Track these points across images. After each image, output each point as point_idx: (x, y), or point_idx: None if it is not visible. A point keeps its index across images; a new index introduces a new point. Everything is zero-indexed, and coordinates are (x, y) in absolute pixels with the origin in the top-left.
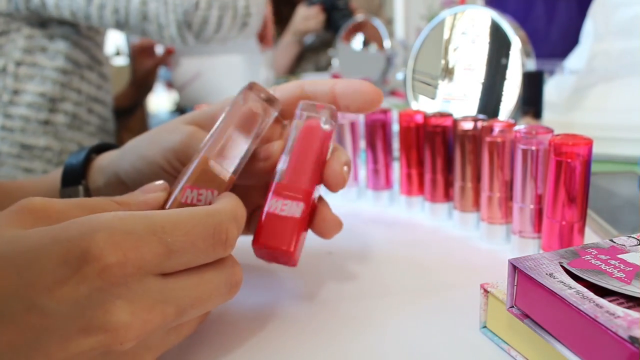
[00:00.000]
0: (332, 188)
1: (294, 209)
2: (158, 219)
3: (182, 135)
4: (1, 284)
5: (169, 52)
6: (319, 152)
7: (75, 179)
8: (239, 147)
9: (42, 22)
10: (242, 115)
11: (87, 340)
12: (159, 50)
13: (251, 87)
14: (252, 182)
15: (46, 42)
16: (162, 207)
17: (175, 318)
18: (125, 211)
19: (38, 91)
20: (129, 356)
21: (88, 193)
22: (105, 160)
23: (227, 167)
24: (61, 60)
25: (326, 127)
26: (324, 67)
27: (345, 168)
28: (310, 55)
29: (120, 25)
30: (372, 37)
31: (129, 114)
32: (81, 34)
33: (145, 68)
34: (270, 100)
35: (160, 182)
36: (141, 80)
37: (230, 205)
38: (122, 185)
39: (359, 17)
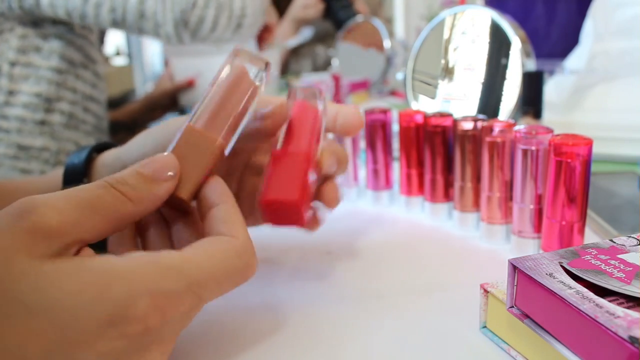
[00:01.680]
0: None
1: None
2: (194, 272)
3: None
4: (43, 340)
5: (190, 83)
6: (313, 126)
7: (77, 178)
8: (229, 114)
9: (35, 21)
10: (232, 81)
11: None
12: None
13: (237, 52)
14: (250, 144)
15: (40, 41)
16: None
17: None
18: (161, 263)
19: (33, 91)
20: None
21: None
22: (109, 157)
23: (216, 133)
24: (56, 59)
25: (319, 105)
26: (322, 66)
27: (338, 194)
28: (307, 51)
29: (116, 24)
30: (371, 42)
31: (126, 131)
32: (75, 33)
33: (163, 89)
34: (257, 61)
35: (166, 159)
36: (155, 100)
37: (247, 234)
38: None
39: (359, 17)
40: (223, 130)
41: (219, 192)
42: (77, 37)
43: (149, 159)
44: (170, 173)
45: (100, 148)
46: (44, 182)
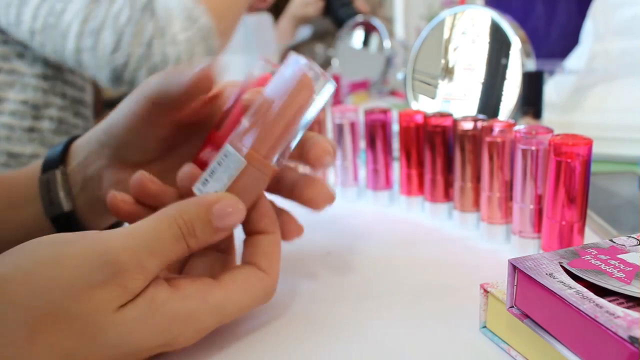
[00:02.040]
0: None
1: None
2: (229, 310)
3: (155, 83)
4: None
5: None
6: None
7: (54, 165)
8: (289, 136)
9: None
10: (299, 102)
11: None
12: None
13: (304, 67)
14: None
15: (22, 47)
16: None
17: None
18: (209, 302)
19: (19, 99)
20: None
21: (65, 176)
22: (84, 137)
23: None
24: (39, 66)
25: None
26: (322, 65)
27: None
28: (306, 50)
29: (62, 62)
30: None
31: None
32: None
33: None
34: (324, 76)
35: (239, 213)
36: None
37: (278, 271)
38: (103, 149)
39: (360, 17)
40: (279, 152)
41: (269, 220)
42: None
43: (225, 204)
44: (234, 223)
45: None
46: (22, 175)
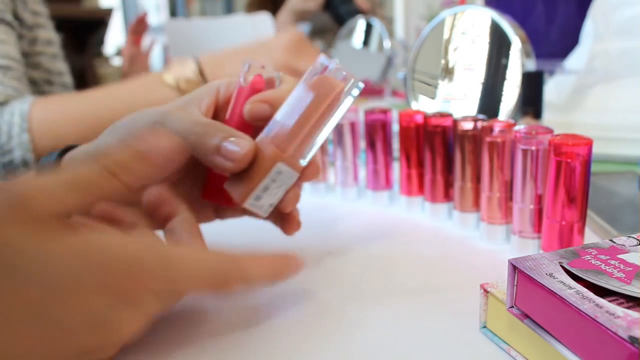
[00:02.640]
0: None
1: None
2: (171, 255)
3: (159, 110)
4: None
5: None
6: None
7: None
8: (316, 135)
9: None
10: (326, 102)
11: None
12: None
13: (326, 69)
14: None
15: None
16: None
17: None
18: (140, 245)
19: None
20: None
21: None
22: (79, 152)
23: (304, 157)
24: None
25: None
26: None
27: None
28: None
29: None
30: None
31: None
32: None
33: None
34: (349, 77)
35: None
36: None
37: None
38: None
39: (360, 17)
40: (293, 142)
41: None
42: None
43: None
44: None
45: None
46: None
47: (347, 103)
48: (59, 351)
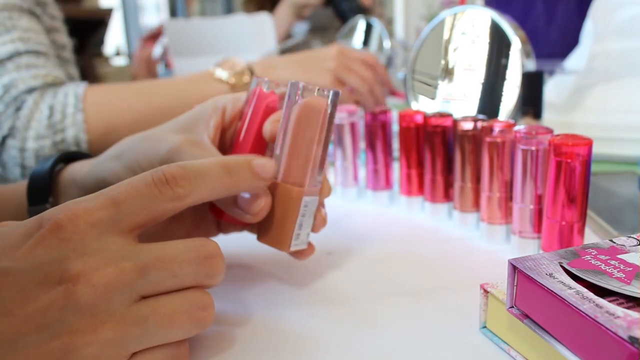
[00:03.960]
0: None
1: None
2: (114, 192)
3: (169, 145)
4: None
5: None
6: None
7: (42, 195)
8: (310, 155)
9: None
10: (306, 121)
11: (46, 293)
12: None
13: (299, 88)
14: None
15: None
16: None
17: (136, 276)
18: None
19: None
20: (88, 315)
21: None
22: (79, 172)
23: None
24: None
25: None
26: None
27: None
28: (303, 48)
29: None
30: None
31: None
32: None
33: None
34: (323, 92)
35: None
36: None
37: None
38: None
39: (362, 14)
40: (307, 173)
41: None
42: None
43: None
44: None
45: (67, 158)
46: (12, 194)
47: (333, 114)
48: None
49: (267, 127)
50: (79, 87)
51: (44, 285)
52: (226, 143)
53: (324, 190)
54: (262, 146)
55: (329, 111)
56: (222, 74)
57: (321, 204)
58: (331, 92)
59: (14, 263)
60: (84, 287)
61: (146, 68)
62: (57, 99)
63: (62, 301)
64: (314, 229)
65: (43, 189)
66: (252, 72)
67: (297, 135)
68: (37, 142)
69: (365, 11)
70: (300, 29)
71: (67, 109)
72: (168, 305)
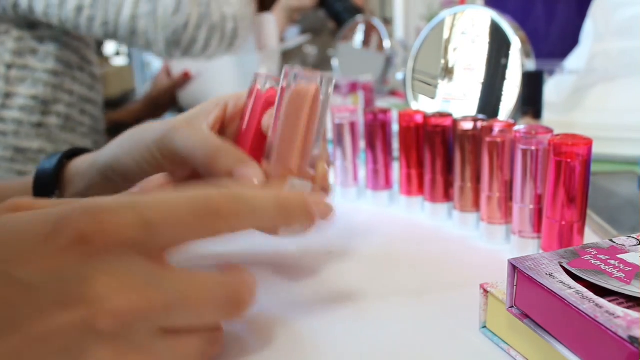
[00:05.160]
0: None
1: None
2: (136, 197)
3: (164, 125)
4: None
5: (185, 75)
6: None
7: (48, 189)
8: (299, 139)
9: (31, 24)
10: (296, 106)
11: (66, 314)
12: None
13: (289, 74)
14: None
15: (36, 44)
16: None
17: (162, 311)
18: (105, 198)
19: (30, 94)
20: (109, 344)
21: None
22: (84, 164)
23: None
24: (52, 62)
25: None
26: (313, 66)
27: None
28: (296, 51)
29: (108, 36)
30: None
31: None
32: (71, 35)
33: (161, 87)
34: (314, 76)
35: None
36: (155, 99)
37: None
38: (108, 184)
39: (359, 17)
40: (295, 157)
41: None
42: (73, 39)
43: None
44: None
45: (71, 154)
46: (16, 186)
47: (327, 101)
48: None
49: (266, 121)
50: None
51: (62, 304)
52: (228, 138)
53: (320, 174)
54: (262, 140)
55: (320, 97)
56: None
57: (325, 190)
58: (323, 78)
59: (32, 275)
60: (106, 311)
61: (165, 73)
62: None
63: (81, 325)
64: (322, 215)
65: (49, 183)
66: None
67: (287, 121)
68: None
69: (359, 11)
70: (292, 33)
71: None
72: (185, 345)
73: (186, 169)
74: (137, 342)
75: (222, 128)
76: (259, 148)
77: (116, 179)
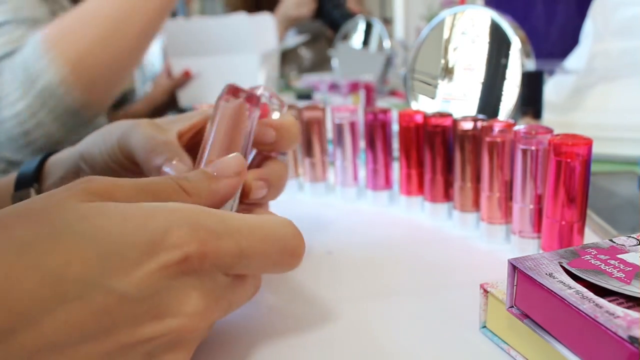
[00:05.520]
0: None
1: None
2: (236, 222)
3: (130, 122)
4: (81, 267)
5: (186, 75)
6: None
7: (28, 182)
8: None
9: None
10: (229, 120)
11: (159, 326)
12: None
13: (230, 90)
14: None
15: None
16: None
17: (225, 314)
18: (205, 207)
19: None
20: (189, 345)
21: (39, 194)
22: (62, 154)
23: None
24: None
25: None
26: (308, 69)
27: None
28: (292, 55)
29: None
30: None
31: None
32: None
33: (161, 87)
34: (251, 98)
35: (233, 157)
36: (155, 99)
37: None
38: (80, 173)
39: (358, 17)
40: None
41: None
42: None
43: (217, 161)
44: (233, 171)
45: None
46: None
47: (253, 114)
48: None
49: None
50: (36, 35)
51: (158, 317)
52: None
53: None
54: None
55: (247, 113)
56: None
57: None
58: (235, 99)
59: (130, 288)
60: (199, 325)
61: (166, 73)
62: (24, 54)
63: (174, 335)
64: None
65: (29, 177)
66: None
67: (216, 130)
68: (24, 101)
69: (354, 17)
70: (290, 33)
71: (28, 60)
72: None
73: (139, 168)
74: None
75: (198, 134)
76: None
77: (86, 170)
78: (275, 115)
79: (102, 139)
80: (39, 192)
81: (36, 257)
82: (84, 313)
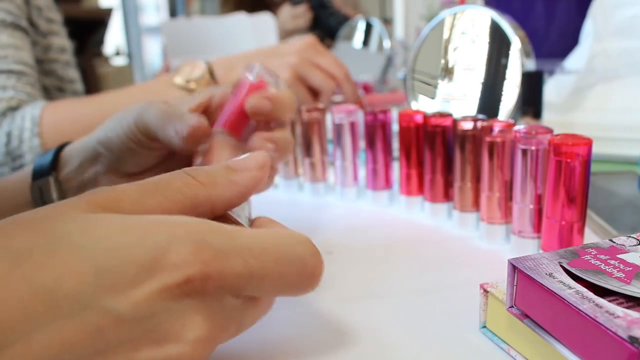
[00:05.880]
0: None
1: None
2: (246, 240)
3: (142, 105)
4: (75, 282)
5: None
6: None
7: (45, 172)
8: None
9: None
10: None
11: (157, 352)
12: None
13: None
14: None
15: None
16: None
17: (231, 338)
18: (213, 222)
19: None
20: None
21: (58, 184)
22: (77, 144)
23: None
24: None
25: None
26: None
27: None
28: None
29: None
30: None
31: None
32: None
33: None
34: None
35: (256, 156)
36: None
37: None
38: (99, 158)
39: (357, 17)
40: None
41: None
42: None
43: (240, 157)
44: (254, 165)
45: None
46: (11, 183)
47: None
48: None
49: (251, 102)
50: (35, 110)
51: (158, 342)
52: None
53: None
54: (241, 119)
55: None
56: (179, 80)
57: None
58: (251, 73)
59: (131, 310)
60: (201, 353)
61: (165, 71)
62: (15, 123)
63: (173, 357)
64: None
65: (47, 167)
66: (212, 75)
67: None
68: None
69: (350, 21)
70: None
71: (24, 134)
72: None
73: (159, 144)
74: None
75: (209, 113)
76: (237, 127)
77: (105, 153)
78: (272, 90)
79: (118, 122)
80: (57, 180)
81: (30, 269)
82: (76, 331)
